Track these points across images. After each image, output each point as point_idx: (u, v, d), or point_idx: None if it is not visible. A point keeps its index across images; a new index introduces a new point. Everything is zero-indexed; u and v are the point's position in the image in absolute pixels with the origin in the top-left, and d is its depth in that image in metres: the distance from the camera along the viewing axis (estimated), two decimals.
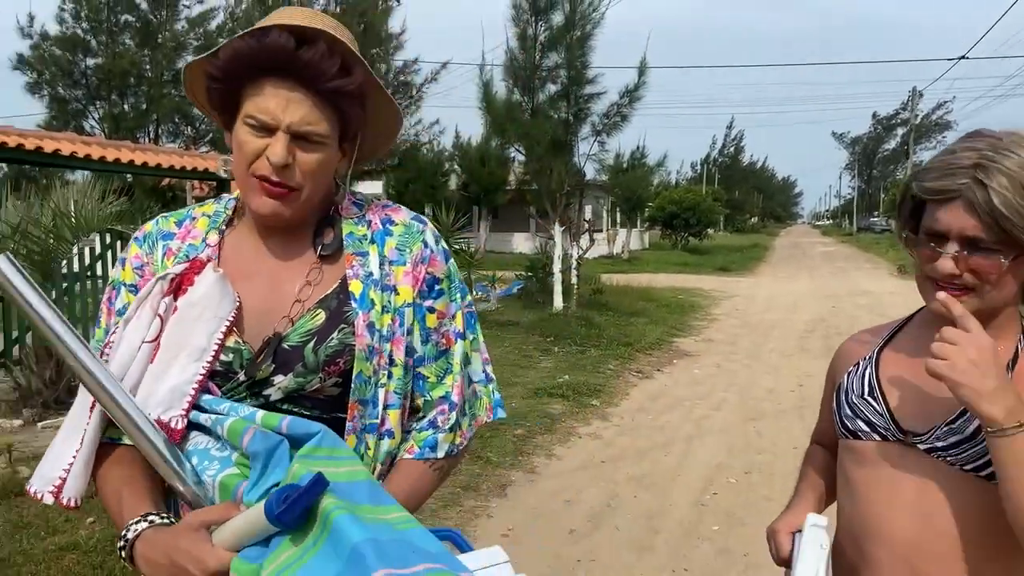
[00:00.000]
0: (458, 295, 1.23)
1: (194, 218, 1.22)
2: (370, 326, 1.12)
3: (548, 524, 4.20)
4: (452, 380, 1.19)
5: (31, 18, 15.83)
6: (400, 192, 21.74)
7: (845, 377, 1.30)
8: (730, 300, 15.39)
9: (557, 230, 11.07)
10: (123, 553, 1.00)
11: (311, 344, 1.10)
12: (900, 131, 64.85)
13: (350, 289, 1.13)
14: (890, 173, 70.95)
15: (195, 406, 1.07)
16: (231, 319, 1.11)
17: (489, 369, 1.29)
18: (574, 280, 11.71)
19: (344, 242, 1.17)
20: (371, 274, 1.15)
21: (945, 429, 1.13)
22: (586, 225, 12.08)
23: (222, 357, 1.10)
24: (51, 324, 0.98)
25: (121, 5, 16.28)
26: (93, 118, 16.32)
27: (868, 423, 1.22)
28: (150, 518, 1.01)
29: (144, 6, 16.30)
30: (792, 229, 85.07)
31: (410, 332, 1.16)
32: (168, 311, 1.10)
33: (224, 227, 1.21)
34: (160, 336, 1.08)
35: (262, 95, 1.07)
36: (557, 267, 11.33)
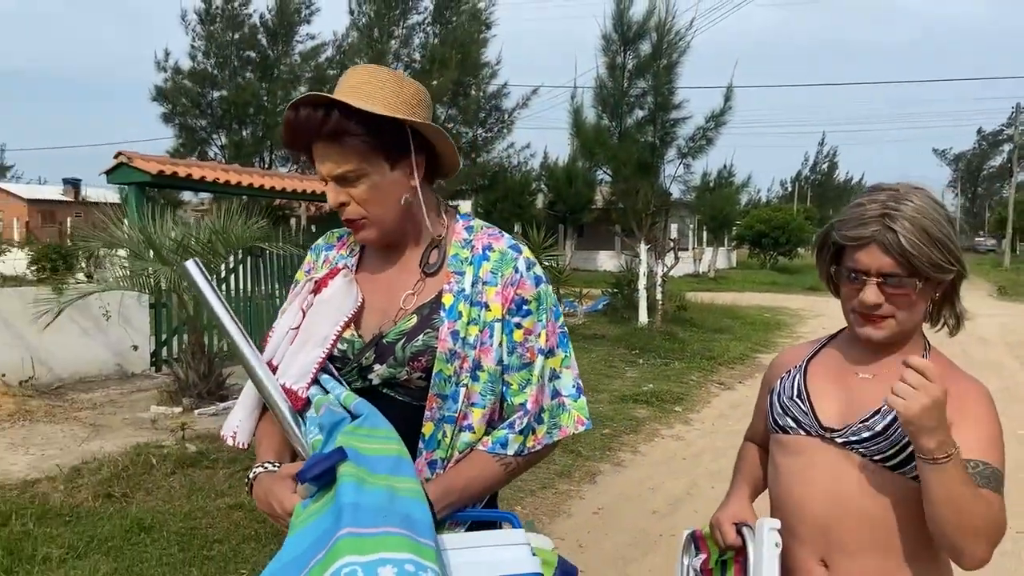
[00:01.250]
0: (546, 316, 1.36)
1: (348, 234, 1.46)
2: (454, 333, 1.29)
3: (633, 506, 4.75)
4: (531, 390, 1.32)
5: (167, 54, 17.65)
6: (488, 211, 22.46)
7: (778, 382, 1.51)
8: (816, 319, 15.40)
9: (643, 248, 11.55)
10: (247, 489, 1.31)
11: (402, 342, 1.30)
12: (1007, 147, 61.66)
13: (442, 301, 1.31)
14: (996, 191, 67.36)
15: (317, 382, 1.29)
16: (351, 315, 1.32)
17: (580, 383, 1.42)
18: (659, 297, 12.15)
19: (448, 262, 1.35)
20: (463, 290, 1.32)
21: (859, 426, 1.34)
22: (671, 244, 12.50)
23: (340, 346, 1.32)
24: (222, 319, 1.25)
25: (244, 42, 17.88)
26: (216, 145, 17.93)
27: (795, 420, 1.42)
28: (266, 465, 1.29)
29: (264, 42, 17.83)
30: None
31: (500, 344, 1.32)
32: (308, 305, 1.35)
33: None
34: (301, 325, 1.33)
35: (317, 156, 1.31)
36: (642, 284, 11.81)
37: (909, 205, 1.28)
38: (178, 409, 6.50)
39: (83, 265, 13.38)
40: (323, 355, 1.29)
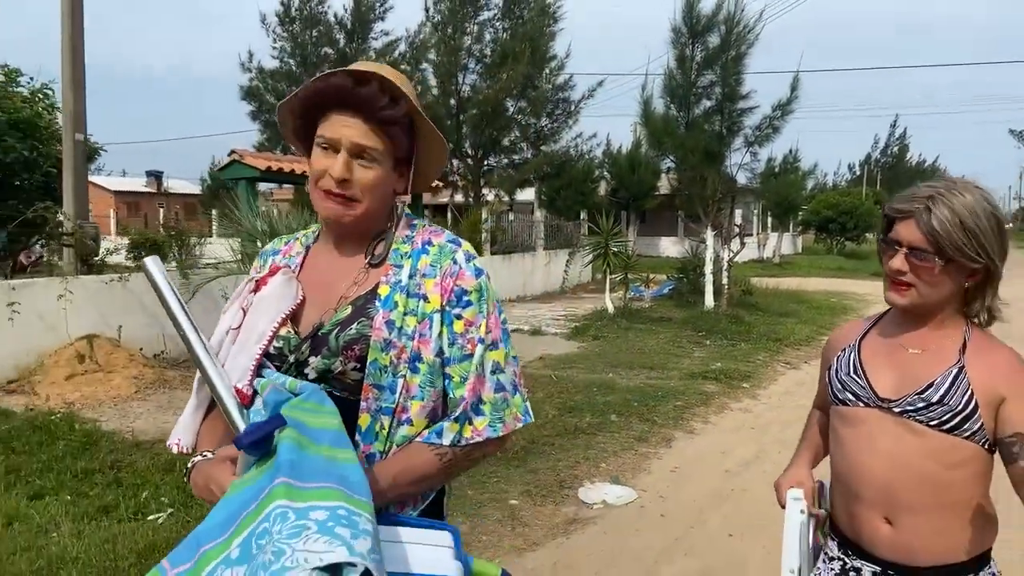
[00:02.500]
0: (486, 307, 1.36)
1: (297, 238, 1.50)
2: (389, 323, 1.30)
3: (706, 466, 5.29)
4: (472, 382, 1.32)
5: (251, 55, 18.72)
6: (552, 198, 22.82)
7: (835, 359, 1.66)
8: (884, 304, 15.45)
9: (709, 234, 11.94)
10: (186, 478, 1.31)
11: (335, 331, 1.30)
12: None
13: (378, 291, 1.33)
14: None
15: (259, 376, 1.30)
16: (288, 312, 1.33)
17: (519, 382, 1.41)
18: (724, 281, 12.50)
19: (389, 255, 1.37)
20: (400, 281, 1.33)
21: (915, 397, 1.49)
22: (737, 229, 12.82)
23: (275, 344, 1.32)
24: (178, 316, 1.24)
25: (322, 39, 18.81)
26: None
27: (854, 394, 1.57)
28: (205, 453, 1.30)
29: (340, 40, 18.72)
30: None
31: (440, 335, 1.32)
32: (248, 305, 1.37)
33: (311, 243, 1.47)
34: (242, 325, 1.35)
35: (330, 122, 1.31)
36: (709, 268, 12.19)
37: (956, 196, 1.44)
38: None
39: (174, 253, 14.44)
40: (260, 352, 1.30)
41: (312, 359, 1.30)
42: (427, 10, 17.18)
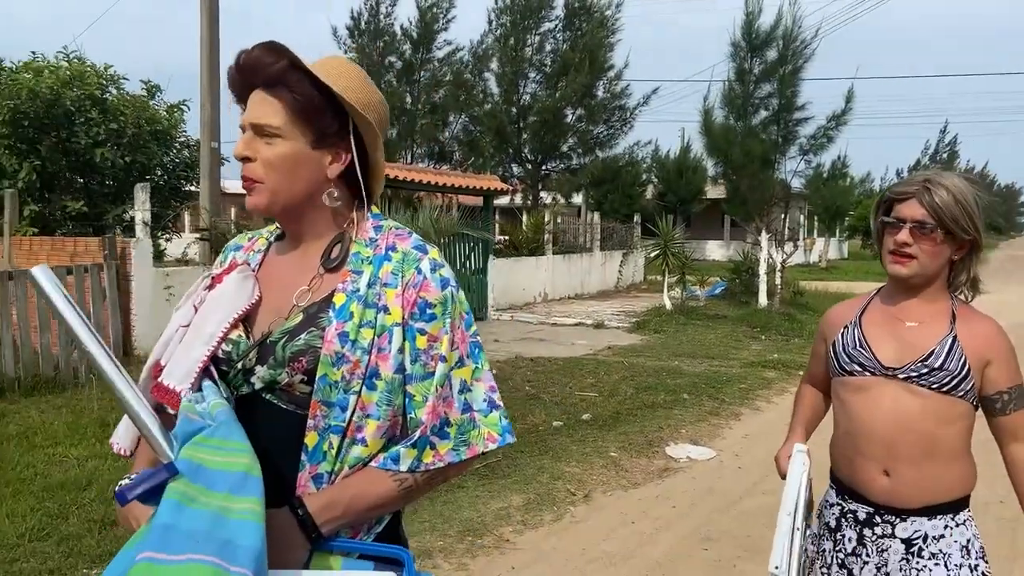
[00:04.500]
0: (450, 322, 1.24)
1: (261, 234, 1.40)
2: (343, 335, 1.18)
3: (774, 433, 6.07)
4: (433, 402, 1.21)
5: None
6: (600, 202, 23.57)
7: (839, 336, 1.84)
8: None
9: (764, 237, 12.65)
10: (116, 501, 1.17)
11: (283, 341, 1.19)
12: None
13: (333, 300, 1.21)
14: None
15: (200, 386, 1.19)
16: (240, 313, 1.23)
17: (496, 397, 1.29)
18: (777, 282, 13.20)
19: (349, 259, 1.25)
20: (358, 290, 1.21)
21: (919, 364, 1.70)
22: (789, 233, 13.52)
23: (224, 347, 1.22)
24: (75, 327, 1.07)
25: (388, 49, 19.92)
26: None
27: (860, 365, 1.77)
28: (132, 477, 1.17)
29: (407, 50, 19.81)
30: (1015, 241, 77.19)
31: (401, 351, 1.20)
32: (200, 302, 1.28)
33: (272, 240, 1.37)
34: (191, 322, 1.26)
35: (249, 105, 1.23)
36: (763, 269, 12.91)
37: (948, 179, 1.69)
38: None
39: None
40: (207, 354, 1.20)
41: (258, 368, 1.20)
42: (490, 22, 18.17)
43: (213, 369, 1.22)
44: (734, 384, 7.78)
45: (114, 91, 9.82)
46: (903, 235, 1.69)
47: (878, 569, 1.76)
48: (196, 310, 1.27)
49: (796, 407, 2.11)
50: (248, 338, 1.23)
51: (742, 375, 8.26)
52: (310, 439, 1.19)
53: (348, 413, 1.19)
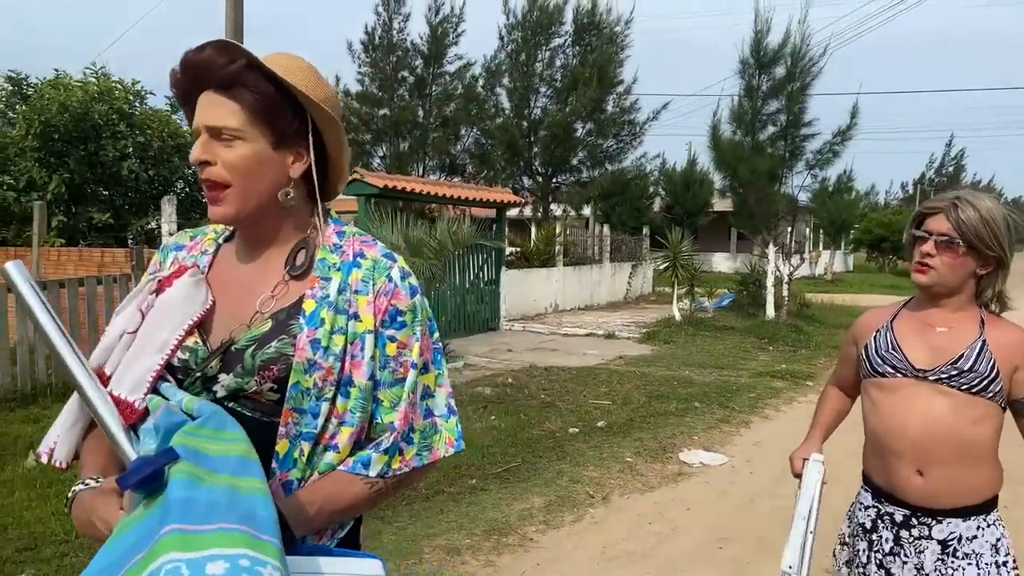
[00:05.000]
0: (419, 329, 1.25)
1: (205, 233, 1.36)
2: (314, 342, 1.17)
3: (784, 440, 6.26)
4: (404, 409, 1.22)
5: (338, 79, 20.27)
6: (608, 214, 23.83)
7: (872, 339, 1.93)
8: None
9: (771, 250, 12.85)
10: (67, 509, 1.15)
11: (252, 348, 1.17)
12: None
13: (303, 306, 1.20)
14: None
15: (156, 392, 1.15)
16: (195, 319, 1.20)
17: (453, 403, 1.32)
18: (784, 294, 13.38)
19: (315, 266, 1.24)
20: (328, 296, 1.20)
21: (949, 367, 1.77)
22: (796, 246, 13.71)
23: (180, 354, 1.19)
24: (44, 325, 1.08)
25: (400, 64, 20.25)
26: (377, 156, 20.40)
27: (893, 367, 1.85)
28: (87, 482, 1.15)
29: (419, 65, 20.13)
30: (1020, 255, 77.07)
31: (372, 358, 1.21)
32: (148, 307, 1.23)
33: (222, 240, 1.33)
34: (139, 328, 1.21)
35: (198, 107, 1.19)
36: (770, 282, 13.10)
37: (978, 199, 1.79)
38: None
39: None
40: (161, 363, 1.17)
41: (222, 376, 1.18)
42: (502, 38, 18.50)
43: (169, 376, 1.19)
44: (743, 393, 7.96)
45: (139, 106, 10.15)
46: (927, 246, 1.80)
47: (917, 570, 1.83)
48: (143, 315, 1.22)
49: (819, 408, 2.22)
50: (205, 345, 1.20)
51: (751, 384, 8.44)
52: (281, 447, 1.18)
53: (320, 420, 1.18)
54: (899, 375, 1.84)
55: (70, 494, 1.16)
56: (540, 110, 18.62)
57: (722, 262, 31.29)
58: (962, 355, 1.78)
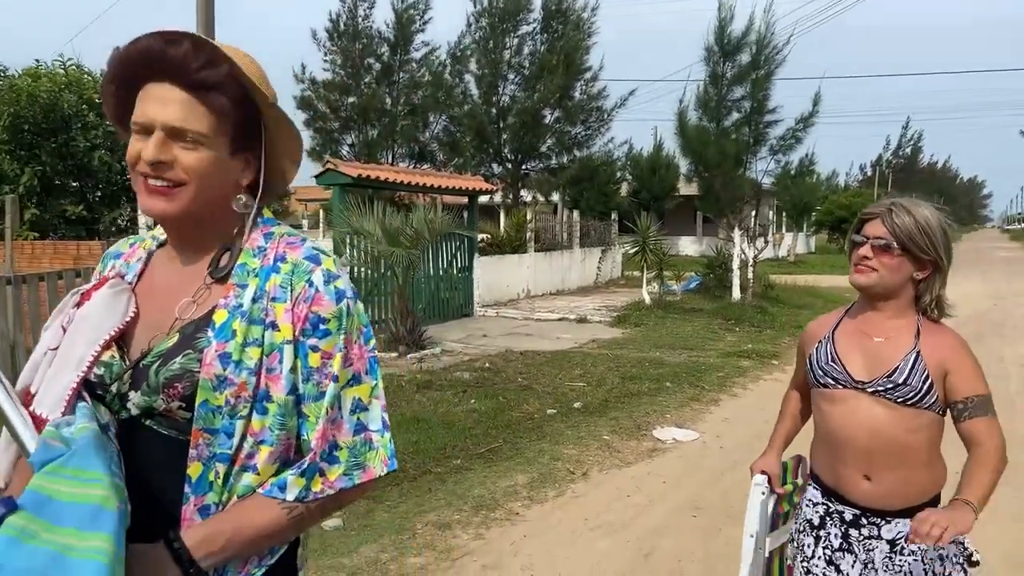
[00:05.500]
0: (346, 337, 1.15)
1: (143, 240, 1.30)
2: (224, 356, 1.09)
3: (751, 417, 6.59)
4: (323, 424, 1.13)
5: (303, 67, 20.15)
6: (576, 199, 24.11)
7: (815, 350, 2.00)
8: None
9: (736, 233, 13.22)
10: None
11: (156, 365, 1.10)
12: None
13: (213, 318, 1.12)
14: None
15: (74, 411, 1.08)
16: (112, 333, 1.13)
17: (386, 417, 1.21)
18: (749, 276, 13.78)
19: (234, 271, 1.16)
20: (240, 306, 1.12)
21: (884, 379, 1.84)
22: (760, 229, 14.11)
23: (96, 370, 1.12)
24: None
25: (367, 51, 20.19)
26: (346, 144, 20.36)
27: (834, 379, 1.92)
28: None
29: (385, 52, 20.09)
30: (977, 234, 79.51)
31: (293, 370, 1.12)
32: (69, 322, 1.16)
33: (155, 247, 1.26)
34: (60, 345, 1.14)
35: (143, 100, 1.11)
36: (735, 264, 13.48)
37: (913, 206, 1.86)
38: (394, 354, 8.66)
39: None
40: (77, 381, 1.11)
41: (132, 394, 1.11)
42: (469, 25, 18.57)
43: (86, 394, 1.12)
44: (712, 372, 8.29)
45: None
46: (864, 249, 1.87)
47: (865, 566, 1.91)
48: (64, 330, 1.16)
49: (780, 415, 2.30)
50: (123, 359, 1.13)
51: (719, 364, 8.77)
52: (193, 469, 1.10)
53: (236, 440, 1.10)
54: (840, 386, 1.91)
55: None
56: (508, 97, 18.78)
57: (688, 246, 31.82)
58: (896, 368, 1.83)
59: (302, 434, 1.15)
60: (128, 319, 1.16)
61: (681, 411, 6.75)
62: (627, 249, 14.96)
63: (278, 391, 1.11)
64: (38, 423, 1.08)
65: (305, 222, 31.09)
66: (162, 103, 1.10)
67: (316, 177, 10.27)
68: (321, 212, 31.95)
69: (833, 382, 1.92)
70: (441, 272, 12.02)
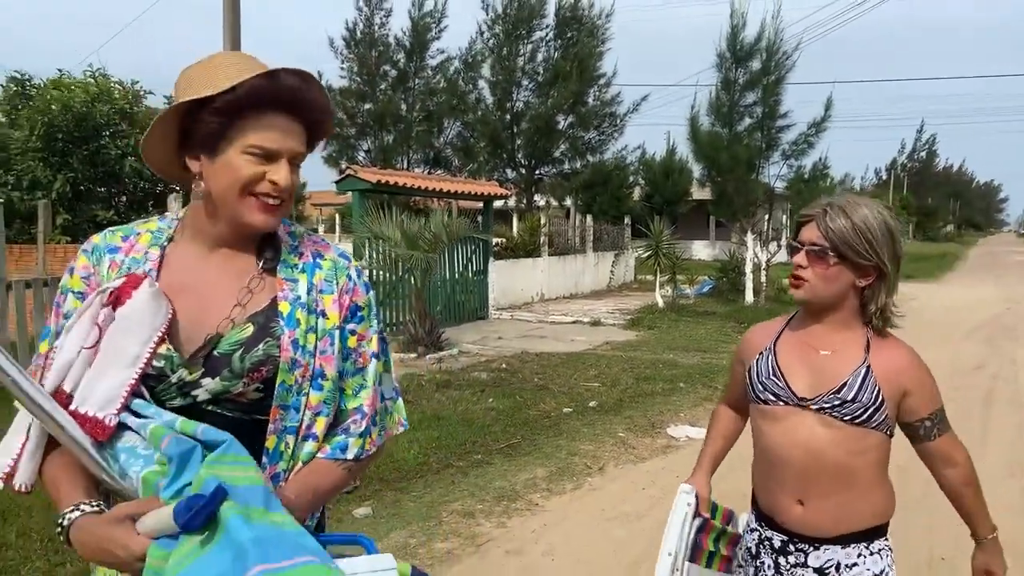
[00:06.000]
0: (375, 321, 1.38)
1: (139, 234, 1.34)
2: (295, 342, 1.25)
3: None
4: (366, 393, 1.34)
5: (320, 74, 20.49)
6: (588, 203, 24.33)
7: (755, 362, 1.78)
8: (908, 303, 16.67)
9: (750, 237, 13.36)
10: (61, 537, 1.13)
11: (239, 352, 1.22)
12: None
13: (279, 309, 1.27)
14: None
15: (127, 408, 1.16)
16: (163, 329, 1.20)
17: (397, 385, 1.45)
18: (762, 279, 13.91)
19: (280, 268, 1.31)
20: (299, 298, 1.29)
21: (831, 395, 1.65)
22: (773, 233, 14.25)
23: (154, 363, 1.20)
24: None
25: (383, 59, 20.51)
26: (362, 150, 20.68)
27: (774, 395, 1.72)
28: (82, 507, 1.13)
29: (401, 59, 20.41)
30: (993, 238, 78.87)
31: (338, 352, 1.31)
32: (106, 321, 1.19)
33: (166, 243, 1.32)
34: (99, 343, 1.18)
35: (268, 128, 1.22)
36: (749, 268, 13.62)
37: (851, 206, 1.64)
38: (413, 355, 8.89)
39: None
40: (135, 377, 1.18)
41: (206, 381, 1.22)
42: (482, 33, 18.85)
43: (144, 389, 1.20)
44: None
45: (139, 105, 10.42)
46: (798, 257, 1.69)
47: None
48: (100, 328, 1.19)
49: (708, 433, 2.12)
50: (179, 352, 1.21)
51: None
52: (270, 442, 1.25)
53: (300, 414, 1.27)
54: (781, 403, 1.72)
55: (64, 521, 1.13)
56: (522, 103, 19.03)
57: (701, 250, 31.92)
58: (845, 383, 1.65)
59: (341, 405, 1.33)
60: (169, 316, 1.22)
61: (694, 410, 6.91)
62: (640, 253, 15.12)
63: (331, 370, 1.29)
64: (85, 422, 1.14)
65: (320, 226, 31.44)
66: (288, 133, 1.24)
67: (336, 182, 10.53)
68: (337, 216, 32.31)
69: (774, 398, 1.73)
70: (457, 275, 12.24)
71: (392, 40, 21.02)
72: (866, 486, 1.69)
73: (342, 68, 20.40)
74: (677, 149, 26.72)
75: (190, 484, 1.06)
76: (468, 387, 7.51)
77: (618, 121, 19.37)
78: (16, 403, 1.14)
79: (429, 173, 19.27)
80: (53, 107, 9.45)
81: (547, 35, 18.97)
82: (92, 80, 10.29)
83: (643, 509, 4.48)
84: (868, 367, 1.65)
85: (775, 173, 13.02)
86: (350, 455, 1.32)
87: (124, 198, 10.56)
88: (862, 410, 1.63)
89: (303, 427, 1.28)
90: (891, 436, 1.70)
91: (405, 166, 20.35)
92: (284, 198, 1.27)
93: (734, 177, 12.51)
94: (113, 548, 1.07)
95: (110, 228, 1.37)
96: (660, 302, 13.65)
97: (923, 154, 68.18)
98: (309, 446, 1.29)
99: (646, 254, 13.98)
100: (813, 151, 12.50)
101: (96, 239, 1.34)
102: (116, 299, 1.21)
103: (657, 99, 42.23)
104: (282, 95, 1.22)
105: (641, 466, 5.32)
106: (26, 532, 4.00)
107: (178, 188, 10.54)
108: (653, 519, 4.33)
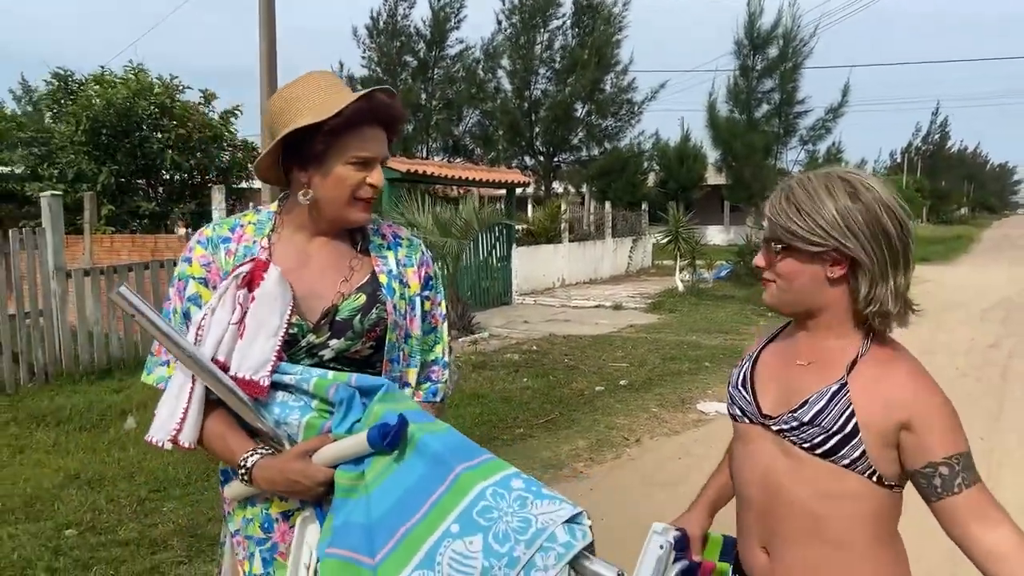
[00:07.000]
0: (442, 289, 1.67)
1: (242, 225, 1.56)
2: (395, 307, 1.53)
3: None
4: (441, 347, 1.63)
5: (341, 65, 20.82)
6: (603, 190, 24.54)
7: (736, 367, 1.50)
8: (922, 284, 16.77)
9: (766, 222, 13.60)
10: (244, 477, 1.39)
11: (358, 317, 1.49)
12: None
13: (380, 280, 1.54)
14: None
15: (276, 369, 1.42)
16: (292, 304, 1.45)
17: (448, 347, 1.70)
18: None
19: (370, 248, 1.58)
20: (392, 270, 1.57)
21: (788, 415, 1.31)
22: None
23: (291, 331, 1.45)
24: (166, 331, 1.34)
25: (404, 49, 20.78)
26: None
27: (741, 409, 1.42)
28: (259, 451, 1.39)
29: (421, 49, 20.67)
30: (1007, 220, 78.39)
31: (419, 314, 1.59)
32: (247, 300, 1.43)
33: (271, 233, 1.55)
34: (244, 318, 1.42)
35: (366, 139, 1.45)
36: None
37: (801, 181, 1.31)
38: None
39: None
40: (279, 343, 1.41)
41: (333, 342, 1.47)
42: (500, 23, 19.08)
43: (281, 352, 1.43)
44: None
45: (178, 100, 10.83)
46: (757, 257, 1.39)
47: None
48: (242, 307, 1.41)
49: (721, 463, 1.72)
50: (307, 321, 1.46)
51: None
52: None
53: (400, 365, 1.54)
54: (746, 419, 1.41)
55: (247, 463, 1.37)
56: (540, 92, 19.28)
57: (716, 234, 32.08)
58: (807, 401, 1.30)
59: (422, 358, 1.60)
60: (292, 293, 1.45)
61: (722, 388, 7.22)
62: (658, 239, 15.39)
63: (415, 329, 1.57)
64: (244, 384, 1.38)
65: None
66: (379, 141, 1.47)
67: None
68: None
69: (740, 413, 1.43)
70: (481, 261, 12.59)
71: (413, 30, 21.28)
72: (846, 547, 1.30)
73: (363, 58, 20.71)
74: (692, 135, 26.84)
75: (359, 420, 1.31)
76: (502, 367, 7.85)
77: (635, 108, 19.59)
78: (169, 377, 1.43)
79: (449, 161, 19.57)
80: (96, 102, 9.84)
81: (564, 23, 19.21)
82: (132, 76, 10.70)
83: (680, 475, 4.82)
84: (842, 385, 1.28)
85: (792, 159, 13.25)
86: (438, 397, 1.62)
87: (161, 189, 10.98)
88: (823, 437, 1.27)
89: (401, 377, 1.56)
90: (888, 487, 1.29)
91: (425, 155, 20.66)
92: (377, 196, 1.53)
93: (751, 163, 12.74)
94: (299, 478, 1.32)
95: (215, 222, 1.58)
96: (680, 286, 13.93)
97: (937, 136, 67.69)
98: (407, 392, 1.56)
99: (665, 239, 14.25)
100: (829, 136, 12.71)
101: (207, 232, 1.53)
102: (250, 281, 1.42)
103: (672, 85, 42.28)
104: (378, 112, 1.44)
105: (675, 438, 5.66)
106: (114, 499, 4.40)
107: (234, 182, 10.91)
108: (692, 485, 4.62)
